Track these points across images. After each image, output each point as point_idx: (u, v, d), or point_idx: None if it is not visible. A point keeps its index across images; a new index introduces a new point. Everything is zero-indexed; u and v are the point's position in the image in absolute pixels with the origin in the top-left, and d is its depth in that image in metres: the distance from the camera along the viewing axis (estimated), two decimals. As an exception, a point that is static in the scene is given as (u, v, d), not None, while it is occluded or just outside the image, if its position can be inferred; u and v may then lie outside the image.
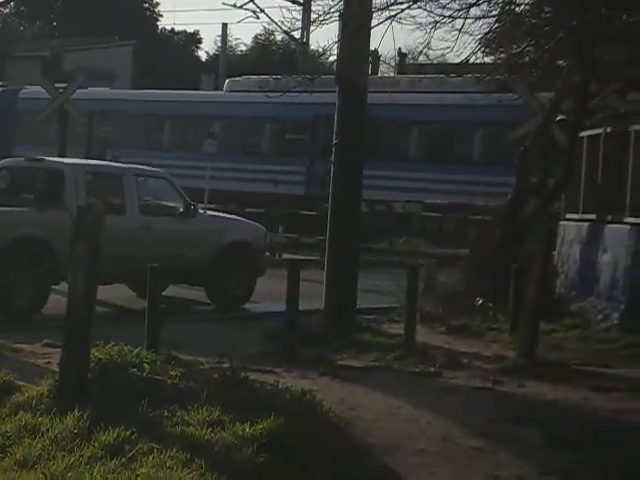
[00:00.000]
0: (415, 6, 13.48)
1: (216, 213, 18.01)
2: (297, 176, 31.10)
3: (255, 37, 57.98)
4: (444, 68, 25.13)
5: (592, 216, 15.68)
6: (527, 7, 15.83)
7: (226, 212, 19.03)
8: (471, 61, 15.84)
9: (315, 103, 26.02)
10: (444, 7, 13.81)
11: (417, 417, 8.39)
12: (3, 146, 34.56)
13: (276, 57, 54.20)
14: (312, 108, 28.72)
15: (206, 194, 27.94)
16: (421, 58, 37.18)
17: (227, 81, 35.73)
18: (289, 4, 39.90)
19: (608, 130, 15.64)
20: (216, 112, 33.41)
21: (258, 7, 40.02)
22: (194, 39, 60.53)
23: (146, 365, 8.14)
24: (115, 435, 6.69)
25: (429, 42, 14.53)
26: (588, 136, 16.20)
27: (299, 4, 36.55)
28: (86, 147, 34.29)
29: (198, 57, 60.25)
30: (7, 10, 58.86)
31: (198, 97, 35.81)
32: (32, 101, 34.05)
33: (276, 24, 34.99)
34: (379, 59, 46.31)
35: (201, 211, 16.55)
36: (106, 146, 34.35)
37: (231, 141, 32.39)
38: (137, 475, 6.09)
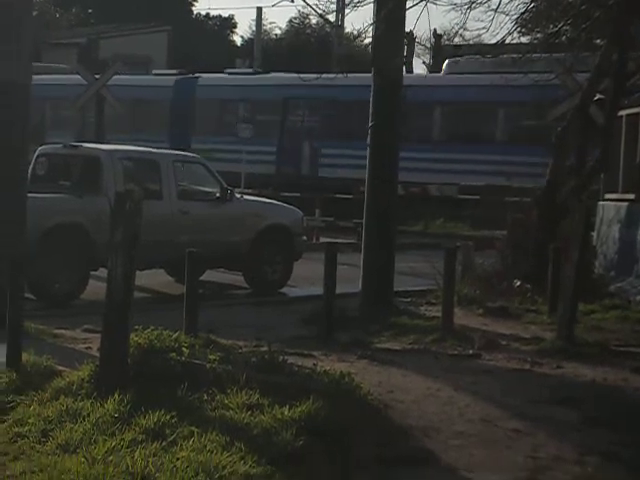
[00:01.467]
0: (450, -13, 13.39)
1: (253, 197, 18.06)
2: None
3: (290, 21, 57.93)
4: (480, 49, 24.97)
5: (631, 196, 15.57)
6: (563, -14, 15.70)
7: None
8: (507, 41, 15.72)
9: None
10: (480, -13, 13.72)
11: (456, 399, 8.38)
12: (180, 137, 33.32)
13: (311, 41, 54.11)
14: None
15: (243, 178, 27.99)
16: (457, 39, 37.10)
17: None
18: (324, -13, 39.81)
19: (646, 109, 15.51)
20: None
21: (293, -10, 39.98)
22: (229, 24, 60.54)
23: (185, 349, 8.19)
24: (155, 419, 6.73)
25: (465, 23, 14.42)
26: (626, 115, 16.07)
27: (334, -13, 36.40)
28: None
29: (233, 42, 60.28)
30: (43, -2, 59.11)
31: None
32: (213, 89, 33.29)
33: (311, 7, 35.09)
34: (414, 41, 46.17)
35: (238, 195, 16.60)
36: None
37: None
38: (177, 458, 6.13)
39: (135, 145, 18.49)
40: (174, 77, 35.89)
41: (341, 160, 30.31)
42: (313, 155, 32.17)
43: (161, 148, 17.78)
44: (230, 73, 35.33)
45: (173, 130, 34.42)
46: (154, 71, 34.93)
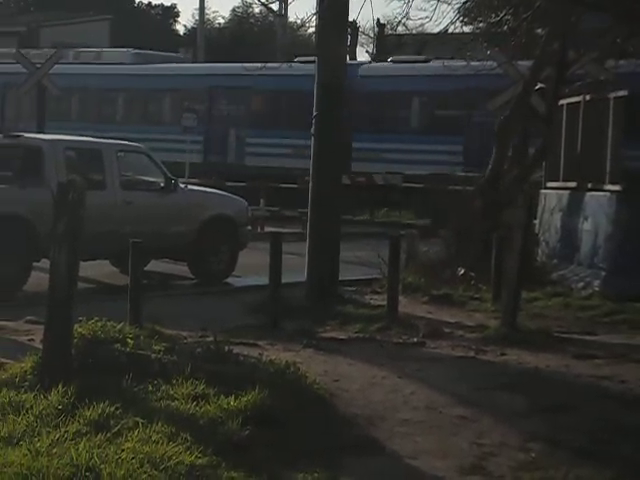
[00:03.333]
0: (393, -24, 13.43)
1: (197, 187, 17.98)
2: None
3: (233, 10, 57.77)
4: (423, 38, 25.09)
5: (572, 184, 15.74)
6: (505, -25, 15.81)
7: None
8: (450, 31, 15.81)
9: None
10: (422, -24, 13.78)
11: (401, 387, 8.43)
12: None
13: (255, 30, 53.97)
14: None
15: (187, 168, 27.88)
16: (400, 29, 37.18)
17: None
18: (267, -24, 39.68)
19: (587, 98, 15.66)
20: None
21: (236, -21, 39.79)
22: (171, 13, 60.16)
23: (129, 340, 8.15)
24: (100, 410, 6.70)
25: (407, 12, 14.52)
26: (567, 104, 16.23)
27: (277, -24, 36.35)
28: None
29: (176, 31, 59.91)
30: (-18, -14, 58.32)
31: None
32: (379, 80, 29.62)
33: (254, -4, 34.86)
34: (358, 30, 46.24)
35: (182, 185, 16.52)
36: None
37: None
38: (123, 450, 6.10)
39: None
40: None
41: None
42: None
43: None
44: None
45: None
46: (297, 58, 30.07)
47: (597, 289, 13.95)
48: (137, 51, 35.55)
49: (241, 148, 32.16)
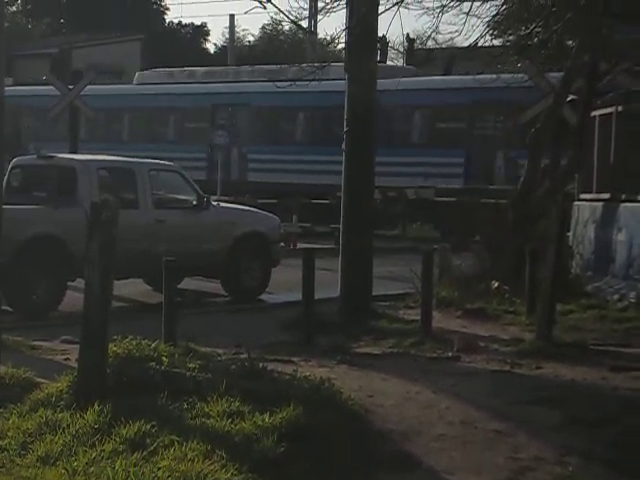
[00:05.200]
0: (422, -9, 13.42)
1: (229, 205, 18.03)
2: None
3: (263, 27, 58.04)
4: (452, 52, 25.03)
5: (606, 195, 15.64)
6: (534, -12, 15.77)
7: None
8: (480, 44, 15.77)
9: None
10: (451, -10, 13.73)
11: (436, 402, 8.40)
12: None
13: (284, 47, 54.17)
14: None
15: (219, 186, 27.98)
16: (430, 43, 37.19)
17: None
18: (296, -7, 39.73)
19: (619, 109, 15.58)
20: None
21: (265, -3, 39.97)
22: (202, 31, 60.52)
23: (164, 358, 8.17)
24: (136, 429, 6.71)
25: (437, 26, 14.46)
26: (600, 115, 16.15)
27: (306, -7, 36.44)
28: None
29: (206, 49, 60.25)
30: (14, 8, 58.92)
31: None
32: None
33: (283, 13, 34.78)
34: (387, 45, 46.23)
35: (214, 203, 16.58)
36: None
37: None
38: (159, 468, 6.11)
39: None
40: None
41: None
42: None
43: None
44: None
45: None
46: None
47: (633, 301, 13.84)
48: None
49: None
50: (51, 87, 26.52)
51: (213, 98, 33.15)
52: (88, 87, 25.56)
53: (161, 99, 34.13)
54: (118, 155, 17.51)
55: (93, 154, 17.80)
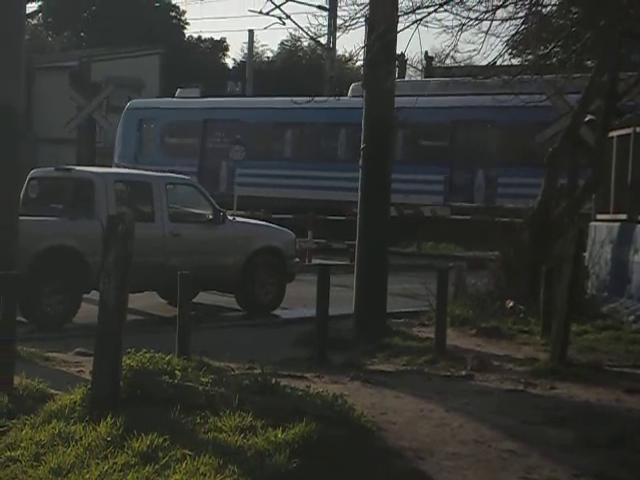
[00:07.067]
0: (441, 9, 13.41)
1: (245, 219, 18.06)
2: None
3: (281, 43, 58.12)
4: (471, 70, 24.98)
5: (623, 216, 15.60)
6: (554, 8, 15.75)
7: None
8: (498, 63, 15.78)
9: None
10: (470, 9, 13.73)
11: (449, 420, 8.37)
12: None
13: (303, 63, 54.28)
14: None
15: (235, 200, 28.03)
16: (448, 61, 37.15)
17: None
18: (315, 10, 39.94)
19: (638, 130, 15.56)
20: None
21: (284, 13, 40.01)
22: (221, 47, 60.72)
23: (178, 372, 8.17)
24: (148, 442, 6.71)
25: (456, 45, 14.41)
26: (618, 136, 16.13)
27: (325, 10, 36.63)
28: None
29: (225, 64, 60.43)
30: (35, 21, 59.26)
31: None
32: None
33: (302, 30, 34.85)
34: (406, 63, 46.29)
35: (230, 217, 16.61)
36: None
37: None
38: (170, 482, 6.11)
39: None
40: None
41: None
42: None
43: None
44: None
45: None
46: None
47: (648, 322, 13.79)
48: None
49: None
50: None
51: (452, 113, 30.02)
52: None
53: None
54: None
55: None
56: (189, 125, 34.47)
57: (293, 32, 55.21)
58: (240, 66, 54.94)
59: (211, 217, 15.89)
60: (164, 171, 28.12)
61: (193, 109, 34.59)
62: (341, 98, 25.58)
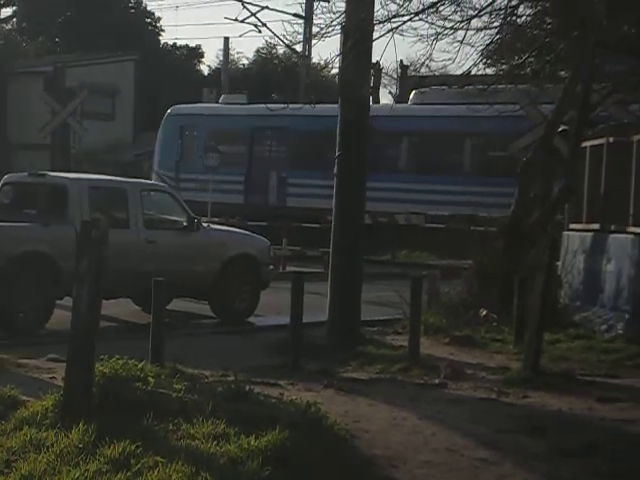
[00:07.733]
0: (416, 18, 13.47)
1: (219, 227, 18.03)
2: None
3: (257, 51, 58.05)
4: (446, 80, 25.09)
5: (595, 226, 15.69)
6: (528, 18, 15.86)
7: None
8: (473, 72, 15.85)
9: None
10: (445, 19, 13.81)
11: (422, 428, 8.38)
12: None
13: (278, 70, 54.27)
14: None
15: (209, 208, 27.97)
16: (423, 70, 37.29)
17: None
18: (291, 18, 39.93)
19: (610, 140, 15.65)
20: None
21: (260, 21, 39.99)
22: (196, 53, 60.58)
23: (151, 379, 8.15)
24: (120, 449, 6.69)
25: (431, 54, 14.48)
26: (590, 146, 16.22)
27: (301, 17, 36.69)
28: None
29: (200, 71, 60.33)
30: (9, 26, 58.99)
31: None
32: None
33: (278, 38, 34.81)
34: (381, 71, 46.43)
35: (205, 224, 16.58)
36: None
37: None
38: (143, 489, 6.09)
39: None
40: None
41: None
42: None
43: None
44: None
45: None
46: None
47: (620, 332, 13.86)
48: None
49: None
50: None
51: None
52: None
53: (454, 121, 28.40)
54: None
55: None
56: (236, 133, 32.88)
57: (269, 39, 55.19)
58: (215, 73, 54.87)
59: (186, 224, 15.85)
60: (207, 182, 27.83)
61: (240, 116, 32.91)
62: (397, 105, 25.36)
